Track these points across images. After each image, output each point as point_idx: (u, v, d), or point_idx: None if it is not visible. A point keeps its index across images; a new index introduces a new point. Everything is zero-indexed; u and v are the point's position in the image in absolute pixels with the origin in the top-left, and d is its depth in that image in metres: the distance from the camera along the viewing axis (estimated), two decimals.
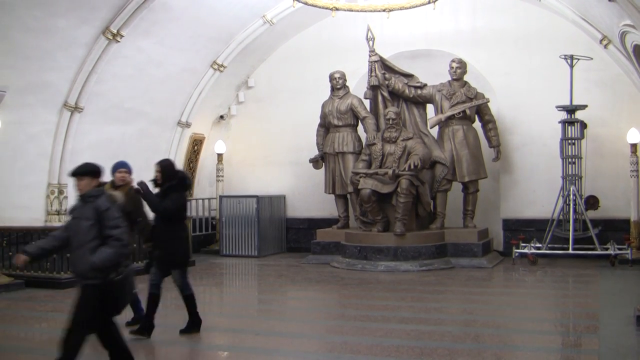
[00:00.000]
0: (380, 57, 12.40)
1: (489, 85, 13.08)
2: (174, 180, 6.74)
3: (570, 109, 12.10)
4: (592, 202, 12.05)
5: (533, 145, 13.05)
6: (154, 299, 6.70)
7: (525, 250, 11.93)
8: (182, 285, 6.86)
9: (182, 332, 6.86)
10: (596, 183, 12.41)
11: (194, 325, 6.91)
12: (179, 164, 14.23)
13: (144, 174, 13.15)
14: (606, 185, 12.49)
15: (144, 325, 6.67)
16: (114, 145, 12.55)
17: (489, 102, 12.52)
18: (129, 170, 7.12)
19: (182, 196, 6.85)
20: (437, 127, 12.61)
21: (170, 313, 8.74)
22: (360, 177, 11.80)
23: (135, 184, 6.97)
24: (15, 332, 7.36)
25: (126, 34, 11.30)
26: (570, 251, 11.59)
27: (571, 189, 11.91)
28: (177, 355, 6.26)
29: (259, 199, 13.86)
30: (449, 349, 6.10)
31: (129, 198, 6.76)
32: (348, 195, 12.99)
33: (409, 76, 12.60)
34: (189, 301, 6.90)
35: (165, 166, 6.83)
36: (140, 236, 6.95)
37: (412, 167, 11.48)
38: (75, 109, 11.45)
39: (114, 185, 6.95)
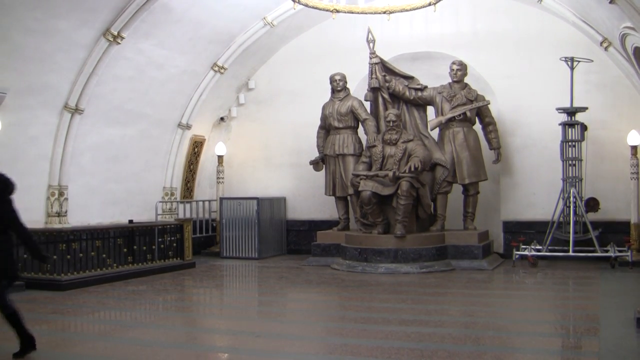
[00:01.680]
0: (381, 59, 12.40)
1: (489, 88, 13.08)
2: None
3: (571, 111, 12.11)
4: (592, 204, 12.05)
5: (533, 148, 13.05)
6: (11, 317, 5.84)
7: (526, 253, 11.94)
8: (1, 304, 5.85)
9: (16, 355, 5.85)
10: (596, 185, 12.41)
11: (27, 345, 5.90)
12: (180, 166, 14.27)
13: (144, 175, 13.37)
14: (606, 187, 12.49)
15: (25, 344, 5.88)
16: (114, 147, 12.59)
17: (489, 104, 12.53)
18: None
19: (4, 202, 6.01)
20: (437, 129, 12.60)
21: (171, 315, 8.76)
22: (361, 179, 11.80)
23: None
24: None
25: (127, 36, 11.31)
26: (571, 253, 11.58)
27: (571, 191, 11.91)
28: (178, 357, 6.24)
29: (259, 200, 13.86)
30: (450, 351, 6.10)
31: None
32: (348, 197, 12.99)
33: (409, 78, 12.60)
34: (13, 320, 5.88)
35: None
36: None
37: (412, 169, 11.48)
38: (76, 110, 11.46)
39: None
